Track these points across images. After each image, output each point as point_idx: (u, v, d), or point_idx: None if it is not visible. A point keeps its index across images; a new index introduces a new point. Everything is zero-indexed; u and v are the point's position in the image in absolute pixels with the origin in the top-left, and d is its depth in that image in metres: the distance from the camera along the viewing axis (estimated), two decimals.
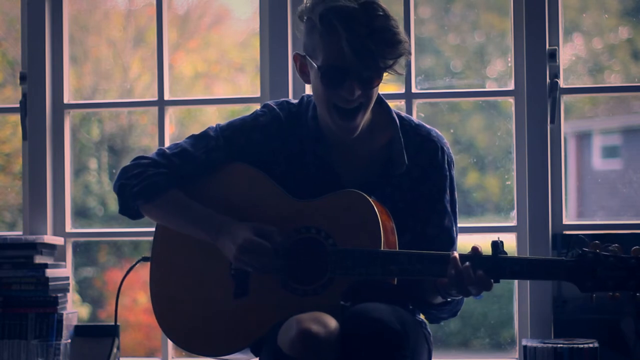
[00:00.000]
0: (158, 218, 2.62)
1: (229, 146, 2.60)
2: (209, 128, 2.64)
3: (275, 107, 2.62)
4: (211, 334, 2.53)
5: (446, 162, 2.58)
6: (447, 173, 2.58)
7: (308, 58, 2.46)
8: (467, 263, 2.32)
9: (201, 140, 2.62)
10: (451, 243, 2.58)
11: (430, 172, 2.56)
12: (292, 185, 2.54)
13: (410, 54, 2.44)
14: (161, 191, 2.58)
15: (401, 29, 2.40)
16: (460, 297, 2.46)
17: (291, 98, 2.69)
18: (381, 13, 2.38)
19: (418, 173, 2.56)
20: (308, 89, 3.41)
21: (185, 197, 2.58)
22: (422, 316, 2.67)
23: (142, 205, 2.59)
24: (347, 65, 2.38)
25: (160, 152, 2.63)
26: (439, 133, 2.61)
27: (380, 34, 2.36)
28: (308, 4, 2.45)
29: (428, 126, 2.61)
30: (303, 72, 2.51)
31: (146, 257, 2.70)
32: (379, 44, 2.36)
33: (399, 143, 2.54)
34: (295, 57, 2.51)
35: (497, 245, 2.33)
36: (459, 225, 2.64)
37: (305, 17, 2.46)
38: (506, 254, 2.34)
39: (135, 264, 2.81)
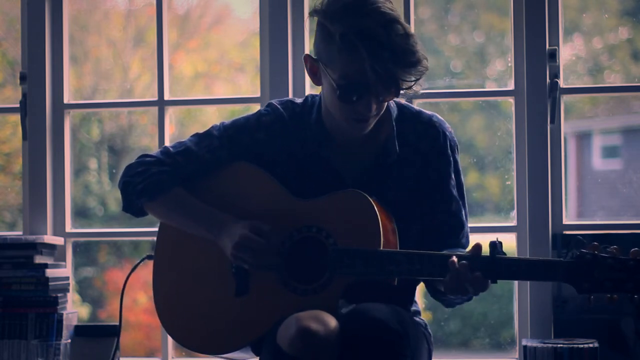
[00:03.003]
0: (161, 216, 2.63)
1: (232, 145, 2.60)
2: (212, 127, 2.64)
3: (279, 106, 2.61)
4: (212, 332, 2.53)
5: (449, 146, 2.57)
6: (451, 158, 2.57)
7: (321, 65, 2.42)
8: (464, 261, 2.31)
9: (205, 139, 2.62)
10: (461, 227, 2.58)
11: (433, 158, 2.55)
12: (294, 185, 2.54)
13: (427, 69, 2.38)
14: (165, 189, 2.58)
15: (420, 45, 2.36)
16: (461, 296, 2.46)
17: (295, 98, 2.67)
18: (402, 32, 2.33)
19: (420, 160, 2.55)
20: (308, 89, 3.41)
21: (189, 195, 2.58)
22: (423, 316, 2.67)
23: (146, 203, 2.60)
24: (367, 84, 2.35)
25: (164, 151, 2.63)
26: (441, 118, 2.59)
27: (402, 56, 2.32)
28: (323, 8, 2.39)
29: (429, 112, 2.60)
30: (314, 74, 2.47)
31: (150, 255, 2.70)
32: (401, 67, 2.33)
33: (392, 131, 2.53)
34: (305, 58, 2.47)
35: (495, 246, 2.33)
36: None
37: (320, 22, 2.41)
38: (504, 254, 2.33)
39: (140, 262, 2.81)
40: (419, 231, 2.53)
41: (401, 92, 2.39)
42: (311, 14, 2.44)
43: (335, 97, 2.41)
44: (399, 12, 2.39)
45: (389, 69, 2.32)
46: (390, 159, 2.53)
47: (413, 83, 2.37)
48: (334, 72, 2.38)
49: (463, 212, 2.59)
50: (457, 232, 2.56)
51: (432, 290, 2.58)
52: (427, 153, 2.55)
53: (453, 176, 2.58)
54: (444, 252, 2.40)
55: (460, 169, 2.61)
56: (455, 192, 2.58)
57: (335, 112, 2.46)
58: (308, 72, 2.49)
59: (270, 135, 2.58)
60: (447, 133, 2.58)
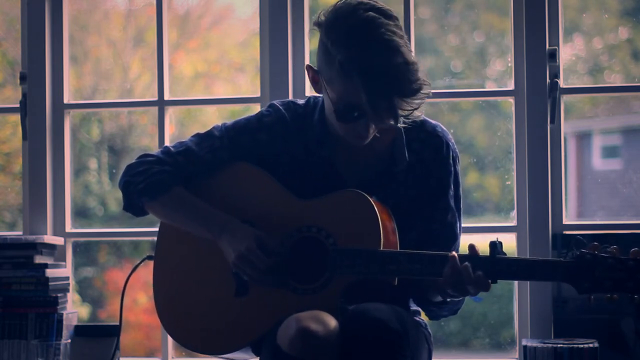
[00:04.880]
0: (162, 215, 2.63)
1: (233, 146, 2.60)
2: (214, 127, 2.64)
3: (280, 107, 2.61)
4: (212, 332, 2.53)
5: (451, 157, 2.57)
6: (452, 168, 2.58)
7: (322, 79, 2.42)
8: (467, 263, 2.32)
9: (206, 139, 2.62)
10: (454, 239, 2.58)
11: (435, 168, 2.56)
12: (295, 186, 2.53)
13: (429, 96, 2.36)
14: (165, 189, 2.58)
15: (421, 70, 2.33)
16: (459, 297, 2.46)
17: (297, 99, 2.67)
18: (401, 61, 2.30)
19: (422, 169, 2.55)
20: (308, 90, 3.41)
21: (190, 195, 2.58)
22: (422, 316, 2.67)
23: (147, 202, 2.60)
24: (364, 112, 2.35)
25: (165, 150, 2.63)
26: (444, 128, 2.60)
27: (400, 86, 2.30)
28: (326, 25, 2.38)
29: (433, 121, 2.60)
30: (315, 83, 2.47)
31: (151, 255, 2.71)
32: (399, 96, 2.31)
33: (400, 139, 2.53)
34: (307, 68, 2.47)
35: (495, 246, 2.33)
36: None
37: (322, 39, 2.39)
38: (505, 254, 2.33)
39: (140, 262, 2.81)
40: (414, 240, 2.52)
41: (400, 119, 2.37)
42: (314, 26, 2.43)
43: (333, 116, 2.41)
44: (403, 33, 2.37)
45: (386, 99, 2.31)
46: (399, 166, 2.53)
47: (411, 111, 2.35)
48: (333, 92, 2.38)
49: (458, 225, 2.59)
50: (449, 244, 2.56)
51: (420, 299, 2.58)
52: (429, 162, 2.55)
53: (452, 187, 2.58)
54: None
55: (460, 181, 2.61)
56: (452, 203, 2.58)
57: (334, 124, 2.46)
58: (310, 81, 2.48)
59: (272, 136, 2.58)
60: (450, 144, 2.58)
